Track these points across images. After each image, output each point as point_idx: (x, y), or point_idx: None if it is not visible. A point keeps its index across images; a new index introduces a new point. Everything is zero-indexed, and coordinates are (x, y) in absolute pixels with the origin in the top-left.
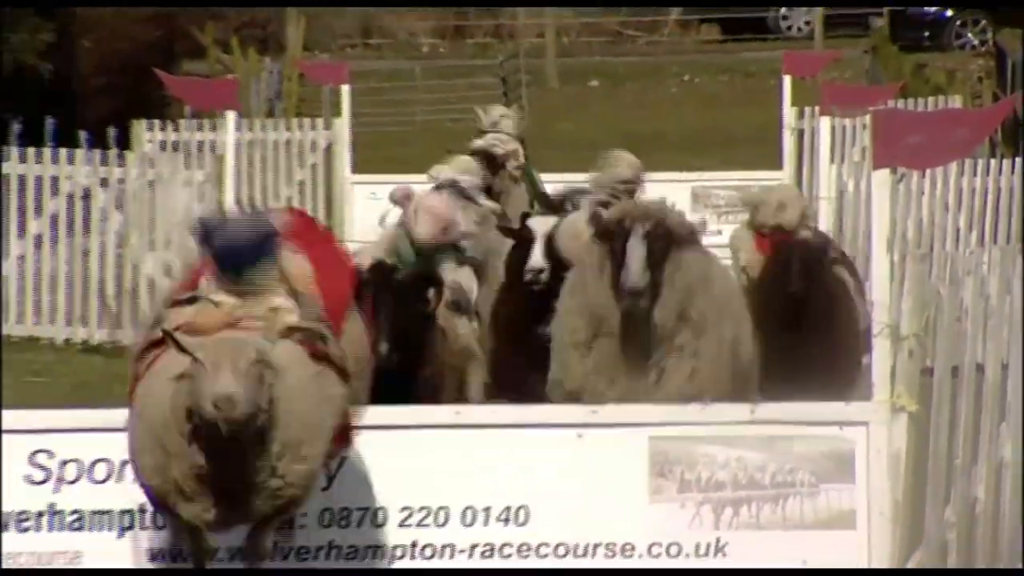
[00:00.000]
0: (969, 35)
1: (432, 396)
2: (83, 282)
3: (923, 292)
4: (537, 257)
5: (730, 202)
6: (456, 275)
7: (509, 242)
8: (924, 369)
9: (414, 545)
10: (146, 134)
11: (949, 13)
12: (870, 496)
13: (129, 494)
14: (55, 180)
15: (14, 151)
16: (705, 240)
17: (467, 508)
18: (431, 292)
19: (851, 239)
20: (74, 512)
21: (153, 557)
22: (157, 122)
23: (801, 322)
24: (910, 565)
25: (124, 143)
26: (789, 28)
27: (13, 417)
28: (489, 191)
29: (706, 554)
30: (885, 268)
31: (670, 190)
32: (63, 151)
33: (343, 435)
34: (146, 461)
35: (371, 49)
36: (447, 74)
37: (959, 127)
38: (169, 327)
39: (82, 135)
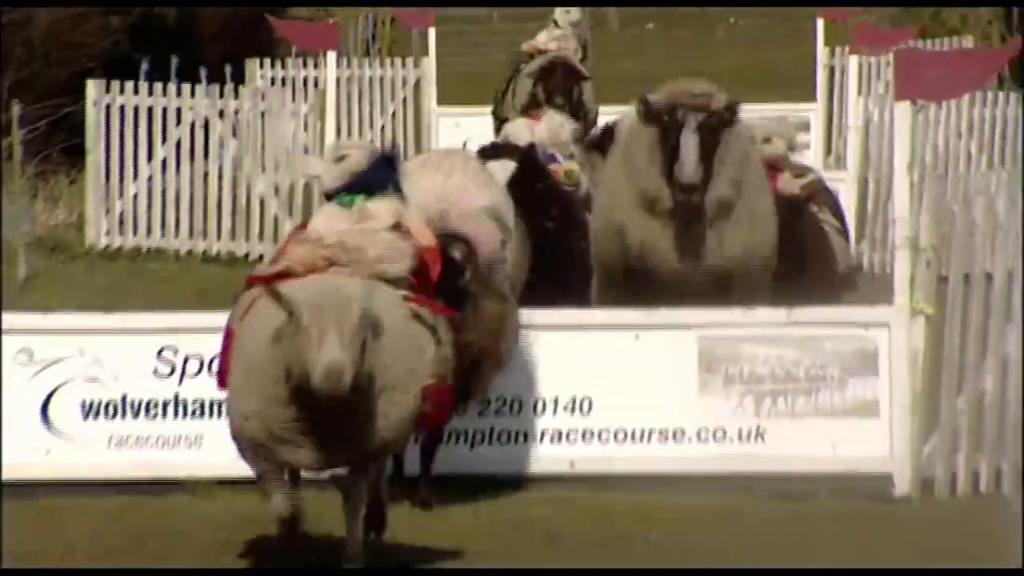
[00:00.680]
0: None
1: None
2: (203, 200)
3: (939, 209)
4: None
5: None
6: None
7: None
8: (940, 277)
9: (491, 430)
10: (258, 71)
11: None
12: (892, 388)
13: None
14: (179, 111)
15: (143, 86)
16: None
17: (538, 399)
18: (464, 259)
19: (876, 163)
20: (195, 401)
21: None
22: (267, 60)
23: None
24: (926, 449)
25: (239, 79)
26: None
27: (143, 319)
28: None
29: (748, 439)
30: (906, 188)
31: None
32: (186, 86)
33: (440, 396)
34: (242, 404)
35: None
36: (519, 18)
37: (971, 64)
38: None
39: (202, 72)
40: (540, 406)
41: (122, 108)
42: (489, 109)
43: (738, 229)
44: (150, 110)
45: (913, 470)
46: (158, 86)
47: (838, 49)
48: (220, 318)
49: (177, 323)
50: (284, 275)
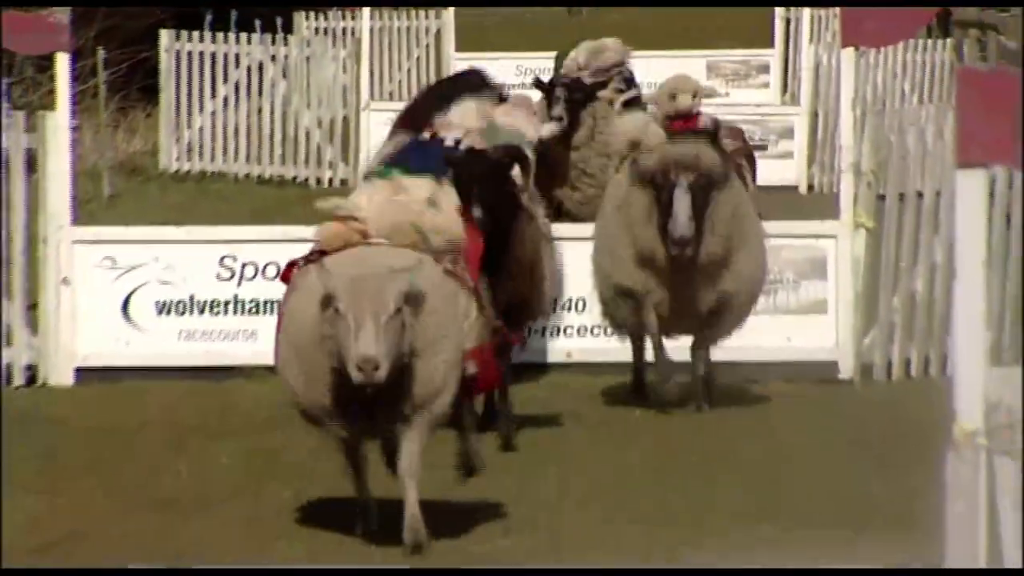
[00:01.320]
0: None
1: (521, 273)
2: (257, 132)
3: (877, 139)
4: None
5: (735, 72)
6: None
7: None
8: (878, 196)
9: None
10: (304, 22)
11: None
12: (838, 290)
13: None
14: (237, 57)
15: (207, 35)
16: (717, 101)
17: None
18: (520, 173)
19: (824, 100)
20: (251, 301)
21: None
22: (312, 13)
23: None
24: (866, 341)
25: (287, 29)
26: None
27: (207, 232)
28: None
29: None
30: (849, 121)
31: (691, 63)
32: (243, 35)
33: (485, 356)
34: (289, 375)
35: None
36: None
37: (904, 17)
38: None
39: (257, 23)
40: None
41: (189, 54)
42: (500, 55)
43: (728, 272)
44: (213, 55)
45: (855, 358)
46: (220, 35)
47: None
48: (272, 231)
49: (236, 235)
50: (323, 253)
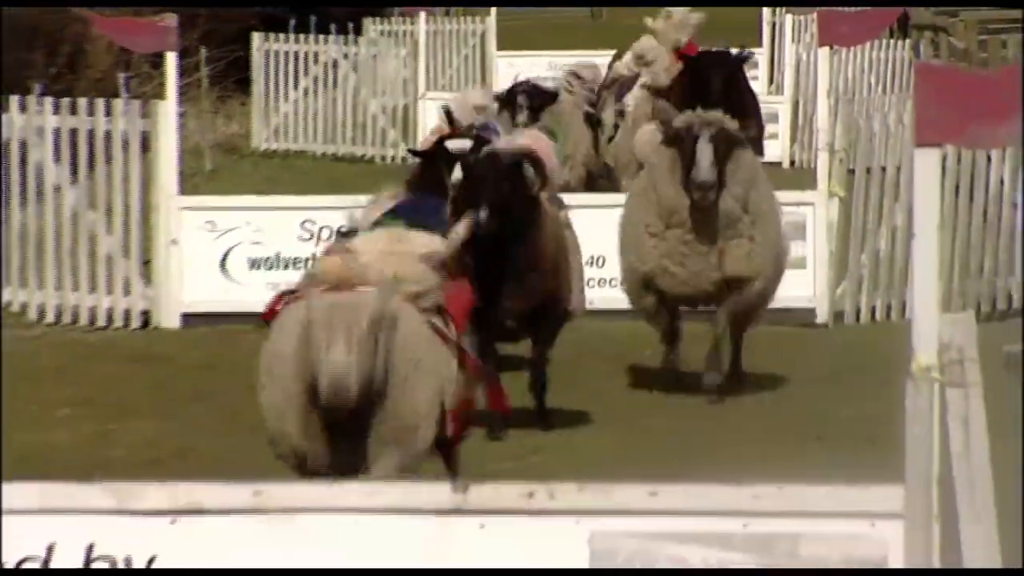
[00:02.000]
0: None
1: (546, 269)
2: (332, 117)
3: (849, 123)
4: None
5: None
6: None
7: None
8: (849, 170)
9: None
10: (371, 25)
11: None
12: (815, 249)
13: None
14: (316, 55)
15: (291, 37)
16: None
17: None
18: (533, 172)
19: (804, 91)
20: None
21: None
22: (378, 18)
23: None
24: (838, 291)
25: (357, 31)
26: None
27: (291, 200)
28: None
29: None
30: (825, 108)
31: None
32: (321, 37)
33: (460, 417)
34: (286, 426)
35: None
36: None
37: (869, 21)
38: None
39: (332, 27)
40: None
41: (276, 52)
42: (533, 53)
43: (740, 249)
44: (295, 54)
45: (830, 306)
46: (301, 37)
47: (779, 10)
48: (343, 199)
49: (314, 203)
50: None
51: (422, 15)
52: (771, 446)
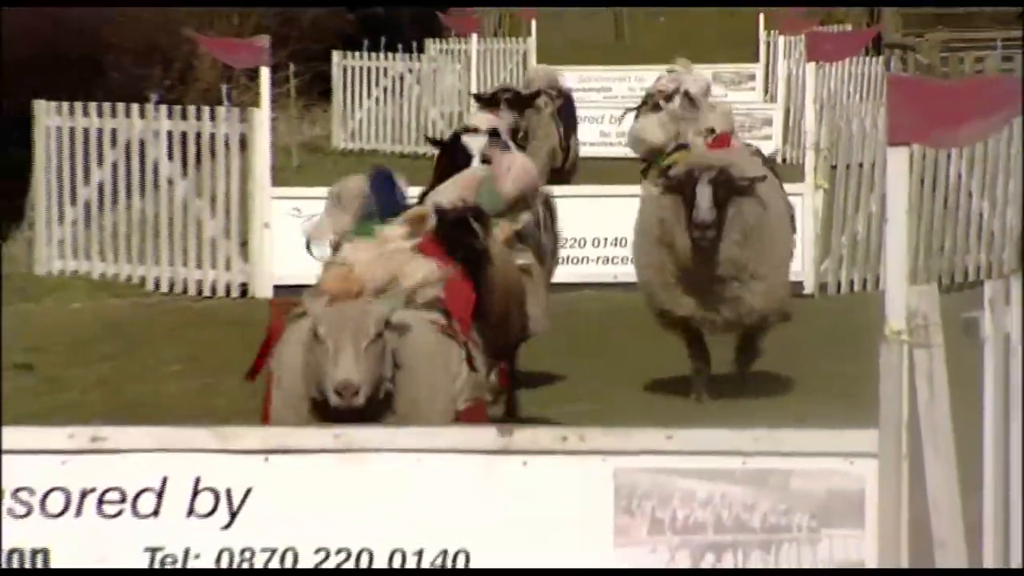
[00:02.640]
0: None
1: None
2: (400, 121)
3: (831, 125)
4: None
5: (732, 79)
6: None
7: None
8: (832, 166)
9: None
10: (432, 45)
11: None
12: (803, 230)
13: None
14: (385, 70)
15: (365, 55)
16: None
17: (595, 237)
18: (479, 227)
19: (794, 98)
20: None
21: None
22: (438, 39)
23: None
24: (822, 267)
25: (420, 49)
26: None
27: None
28: None
29: None
30: (812, 113)
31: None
32: (390, 55)
33: (472, 417)
34: (277, 412)
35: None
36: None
37: (849, 41)
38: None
39: (399, 46)
40: (594, 241)
41: (353, 68)
42: (567, 68)
43: (746, 292)
44: (369, 69)
45: (815, 279)
46: (373, 55)
47: (773, 31)
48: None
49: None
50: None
51: (474, 36)
52: (766, 396)
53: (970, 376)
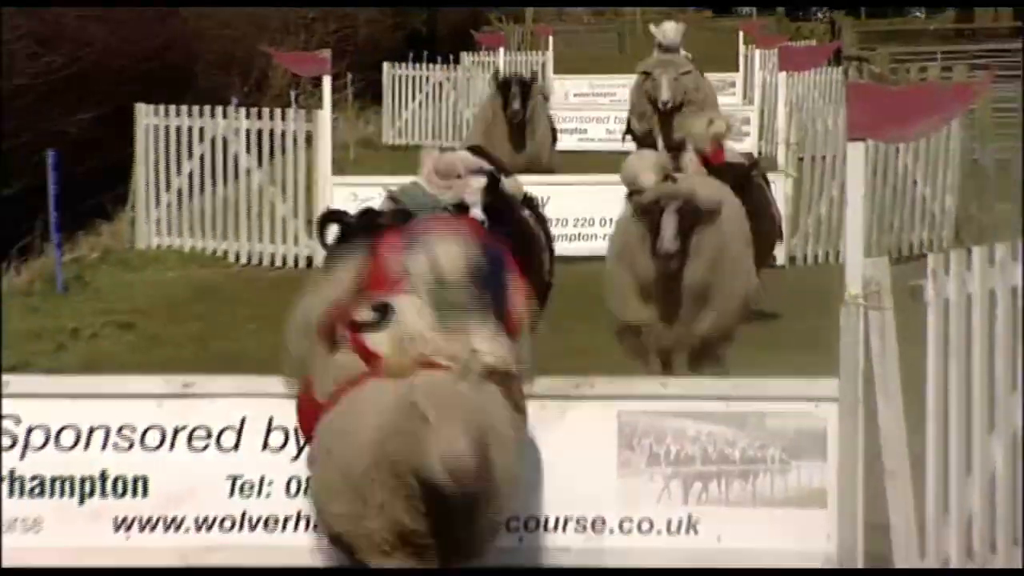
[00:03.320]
0: (819, 14)
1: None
2: (439, 121)
3: (799, 124)
4: None
5: (715, 86)
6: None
7: None
8: (799, 158)
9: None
10: (466, 57)
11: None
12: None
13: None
14: (427, 78)
15: (409, 65)
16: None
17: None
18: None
19: (768, 102)
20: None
21: None
22: (471, 52)
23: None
24: (793, 242)
25: (456, 61)
26: None
27: (409, 179)
28: None
29: None
30: (784, 114)
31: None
32: (430, 65)
33: None
34: (337, 508)
35: (566, 22)
36: (604, 29)
37: (815, 54)
38: (351, 359)
39: (438, 58)
40: (601, 221)
41: (401, 76)
42: (579, 76)
43: (709, 310)
44: (413, 78)
45: (786, 252)
46: (417, 65)
47: (750, 45)
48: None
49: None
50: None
51: (501, 50)
52: (745, 351)
53: (915, 333)
